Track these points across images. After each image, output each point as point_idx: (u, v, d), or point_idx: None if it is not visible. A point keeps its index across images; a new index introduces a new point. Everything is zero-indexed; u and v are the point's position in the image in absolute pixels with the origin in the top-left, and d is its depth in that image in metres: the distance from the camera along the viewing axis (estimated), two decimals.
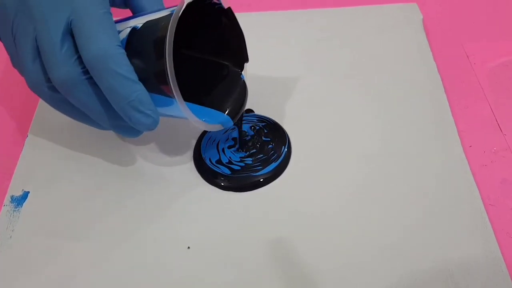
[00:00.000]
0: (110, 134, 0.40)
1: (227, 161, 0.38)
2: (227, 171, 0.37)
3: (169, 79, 0.29)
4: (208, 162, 0.38)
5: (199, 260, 0.33)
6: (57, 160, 0.39)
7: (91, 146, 0.39)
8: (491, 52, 0.45)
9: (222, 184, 0.37)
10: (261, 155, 0.38)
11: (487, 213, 0.34)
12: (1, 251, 0.34)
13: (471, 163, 0.36)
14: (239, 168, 0.37)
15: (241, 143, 0.39)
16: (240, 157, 0.38)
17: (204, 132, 0.40)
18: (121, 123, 0.33)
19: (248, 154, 0.38)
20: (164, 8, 0.34)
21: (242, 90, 0.37)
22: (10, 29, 0.31)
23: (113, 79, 0.29)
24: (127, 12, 0.35)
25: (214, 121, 0.34)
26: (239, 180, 0.37)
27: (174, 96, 0.30)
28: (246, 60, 0.37)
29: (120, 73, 0.29)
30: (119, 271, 0.33)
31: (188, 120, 0.32)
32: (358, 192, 0.35)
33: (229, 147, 0.39)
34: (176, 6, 0.30)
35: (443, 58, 0.44)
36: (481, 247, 0.32)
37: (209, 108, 0.36)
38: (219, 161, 0.38)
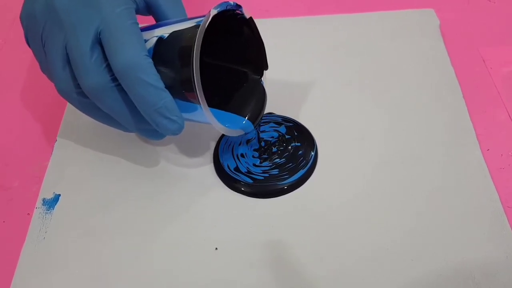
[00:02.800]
0: (136, 137, 0.41)
1: (246, 170, 0.38)
2: (248, 180, 0.38)
3: (195, 87, 0.30)
4: (226, 168, 0.38)
5: (226, 261, 0.34)
6: (86, 162, 0.40)
7: (118, 149, 0.41)
8: (507, 56, 0.45)
9: (243, 189, 0.37)
10: (290, 164, 0.38)
11: (506, 216, 0.34)
12: (36, 252, 0.35)
13: (489, 167, 0.37)
14: (262, 178, 0.38)
15: (261, 149, 0.40)
16: (263, 170, 0.38)
17: (222, 136, 0.41)
18: (147, 127, 0.34)
19: (275, 166, 0.38)
20: (186, 16, 0.35)
21: (261, 96, 0.38)
22: (40, 37, 0.33)
23: (142, 87, 0.31)
24: (150, 19, 0.36)
25: (235, 127, 0.35)
26: (262, 188, 0.37)
27: (199, 103, 0.31)
28: (266, 67, 0.38)
29: (148, 82, 0.30)
30: (148, 270, 0.34)
31: (210, 124, 0.33)
32: (379, 196, 0.36)
33: (253, 157, 0.39)
34: (200, 16, 0.32)
35: (459, 63, 0.45)
36: (501, 249, 0.33)
37: (230, 113, 0.37)
38: (237, 169, 0.38)
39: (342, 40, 0.47)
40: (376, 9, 0.50)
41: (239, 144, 0.40)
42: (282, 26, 0.49)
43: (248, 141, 0.40)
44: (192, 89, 0.31)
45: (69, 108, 0.44)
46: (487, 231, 0.34)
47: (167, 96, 0.31)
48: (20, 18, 0.34)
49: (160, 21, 0.36)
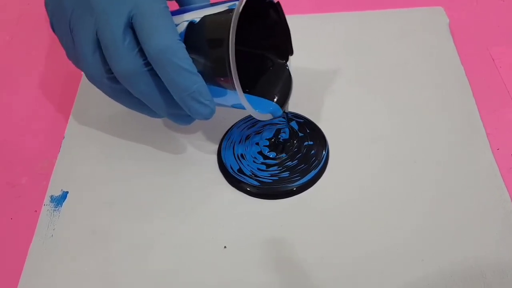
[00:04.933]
0: (147, 134, 0.41)
1: (250, 174, 0.38)
2: (255, 183, 0.37)
3: (231, 72, 0.30)
4: (230, 169, 0.38)
5: (235, 260, 0.34)
6: (93, 159, 0.40)
7: (127, 146, 0.41)
8: None
9: (248, 189, 0.37)
10: (302, 165, 0.38)
11: None
12: (43, 250, 0.35)
13: (499, 166, 0.37)
14: (270, 181, 0.37)
15: (272, 143, 0.40)
16: (272, 174, 0.38)
17: (225, 134, 0.41)
18: (178, 111, 0.34)
19: (286, 169, 0.38)
20: (209, 1, 0.35)
21: (287, 80, 0.38)
22: (67, 22, 0.32)
23: (175, 72, 0.30)
24: (173, 4, 0.36)
25: (264, 110, 0.35)
26: (270, 190, 0.37)
27: (231, 87, 0.31)
28: (291, 52, 0.38)
29: (182, 66, 0.30)
30: (156, 268, 0.34)
31: (237, 109, 0.33)
32: (389, 196, 0.36)
33: (257, 154, 0.39)
34: (230, 0, 0.32)
35: (469, 61, 0.44)
36: None
37: (259, 98, 0.37)
38: (240, 171, 0.38)
39: (351, 38, 0.47)
40: (385, 7, 0.50)
41: (239, 142, 0.40)
42: (290, 24, 0.49)
43: (258, 132, 0.40)
44: (224, 73, 0.31)
45: (77, 104, 0.44)
46: (498, 230, 0.34)
47: (200, 81, 0.31)
48: (45, 4, 0.34)
49: (184, 6, 0.35)
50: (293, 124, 0.41)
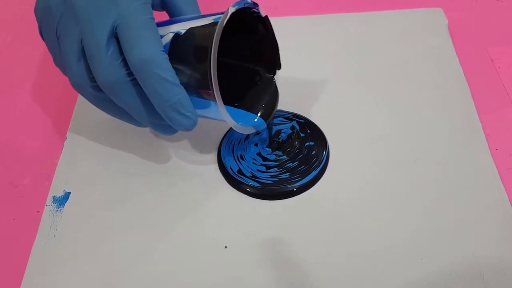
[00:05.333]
0: (148, 135, 0.42)
1: (250, 175, 0.38)
2: (255, 184, 0.37)
3: (212, 84, 0.31)
4: (229, 170, 0.38)
5: (236, 260, 0.34)
6: (96, 160, 0.40)
7: (128, 147, 0.41)
8: None
9: (249, 190, 0.37)
10: (303, 166, 0.38)
11: None
12: (46, 250, 0.35)
13: (497, 166, 0.37)
14: (271, 182, 0.37)
15: (272, 144, 0.40)
16: (272, 175, 0.38)
17: (225, 134, 0.41)
18: (160, 122, 0.34)
19: (286, 170, 0.38)
20: (200, 13, 0.36)
21: (274, 95, 0.38)
22: (55, 30, 0.33)
23: (157, 83, 0.31)
24: (164, 15, 0.36)
25: (247, 124, 0.36)
26: (270, 191, 0.37)
27: (213, 100, 0.31)
28: (279, 67, 0.38)
29: (164, 77, 0.31)
30: (158, 268, 0.34)
31: (222, 121, 0.33)
32: (388, 196, 0.36)
33: (259, 161, 0.39)
34: (217, 13, 0.32)
35: (468, 62, 0.45)
36: (510, 247, 0.33)
37: (243, 111, 0.37)
38: (240, 172, 0.38)
39: (350, 39, 0.47)
40: (384, 8, 0.50)
41: (239, 143, 0.40)
42: (290, 25, 0.49)
43: (257, 133, 0.40)
44: (207, 86, 0.31)
45: (79, 105, 0.44)
46: (496, 230, 0.34)
47: (181, 92, 0.31)
48: (35, 10, 0.34)
49: (174, 17, 0.36)
50: (294, 124, 0.41)
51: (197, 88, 0.32)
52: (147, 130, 0.41)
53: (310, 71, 0.45)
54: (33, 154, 0.41)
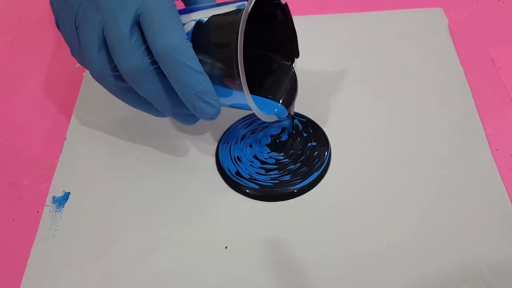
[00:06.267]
0: (147, 135, 0.41)
1: (249, 177, 0.38)
2: (254, 186, 0.37)
3: (239, 72, 0.30)
4: (227, 172, 0.38)
5: (237, 260, 0.34)
6: (95, 160, 0.40)
7: (128, 147, 0.41)
8: None
9: (248, 191, 0.37)
10: (304, 168, 0.38)
11: None
12: (46, 250, 0.35)
13: (498, 166, 0.37)
14: (271, 184, 0.37)
15: (274, 143, 0.40)
16: (272, 178, 0.38)
17: (222, 135, 0.41)
18: (182, 111, 0.34)
19: (288, 172, 0.38)
20: (215, 1, 0.35)
21: (293, 82, 0.38)
22: (73, 20, 0.32)
23: (182, 71, 0.30)
24: (179, 4, 0.36)
25: (270, 112, 0.35)
26: (270, 193, 0.37)
27: (237, 88, 0.31)
28: (297, 55, 0.38)
29: (189, 65, 0.30)
30: (158, 268, 0.34)
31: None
32: (389, 195, 0.36)
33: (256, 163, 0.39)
34: (238, 0, 0.32)
35: (468, 62, 0.45)
36: (511, 248, 0.33)
37: (265, 99, 0.37)
38: (238, 174, 0.38)
39: (351, 39, 0.47)
40: (385, 9, 0.50)
41: (235, 143, 0.40)
42: None
43: (253, 132, 0.40)
44: (231, 74, 0.31)
45: (79, 105, 0.44)
46: (497, 230, 0.34)
47: (206, 80, 0.31)
48: (50, 1, 0.34)
49: (191, 5, 0.35)
50: (296, 122, 0.41)
51: (221, 77, 0.32)
52: (146, 132, 0.41)
53: (311, 71, 0.45)
54: (32, 155, 0.41)
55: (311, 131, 0.40)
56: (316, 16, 0.50)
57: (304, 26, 0.49)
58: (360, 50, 0.46)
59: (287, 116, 0.37)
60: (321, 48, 0.47)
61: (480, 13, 0.50)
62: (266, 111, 0.35)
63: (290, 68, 0.38)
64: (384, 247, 0.34)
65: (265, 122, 0.41)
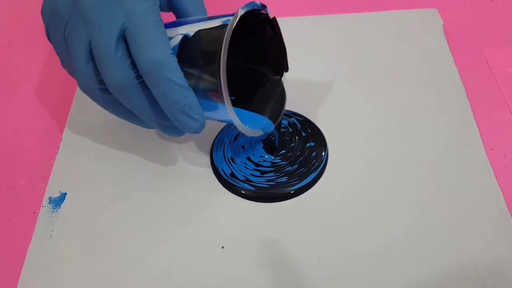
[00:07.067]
0: (144, 137, 0.41)
1: (244, 179, 0.38)
2: (249, 187, 0.37)
3: (221, 87, 0.31)
4: (222, 173, 0.38)
5: (233, 260, 0.34)
6: (92, 161, 0.40)
7: (124, 148, 0.41)
8: (510, 57, 0.46)
9: (243, 192, 0.37)
10: (302, 169, 0.38)
11: (511, 215, 0.35)
12: (42, 251, 0.35)
13: (493, 166, 0.37)
14: (267, 186, 0.37)
15: (273, 148, 0.40)
16: (267, 180, 0.38)
17: (216, 136, 0.41)
18: (168, 123, 0.34)
19: (284, 174, 0.38)
20: (206, 14, 0.36)
21: (281, 96, 0.38)
22: (62, 32, 0.32)
23: (166, 85, 0.31)
24: (170, 16, 0.36)
25: (256, 126, 0.35)
26: (266, 194, 0.37)
27: (222, 102, 0.31)
28: (286, 69, 0.38)
29: (173, 80, 0.30)
30: (155, 269, 0.34)
31: (229, 124, 0.33)
32: (384, 196, 0.36)
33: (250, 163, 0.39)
34: (226, 15, 0.32)
35: (463, 63, 0.45)
36: (506, 247, 0.33)
37: (251, 113, 0.37)
38: (233, 175, 0.38)
39: (346, 40, 0.48)
40: (379, 9, 0.50)
41: (229, 144, 0.40)
42: (286, 26, 0.49)
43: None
44: (215, 88, 0.31)
45: (75, 106, 0.44)
46: (492, 230, 0.34)
47: (190, 95, 0.31)
48: (42, 13, 0.34)
49: (181, 18, 0.36)
50: (294, 120, 0.41)
51: (206, 91, 0.32)
52: (142, 132, 0.41)
53: (306, 72, 0.45)
54: (29, 155, 0.41)
55: (309, 130, 0.40)
56: (311, 17, 0.50)
57: (300, 27, 0.49)
58: (355, 51, 0.47)
59: (274, 130, 0.37)
60: (316, 49, 0.47)
61: (474, 14, 0.50)
62: (253, 126, 0.35)
63: (279, 82, 0.38)
64: (380, 247, 0.34)
65: None
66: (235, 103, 0.32)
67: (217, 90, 0.31)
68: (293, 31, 0.48)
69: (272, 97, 0.38)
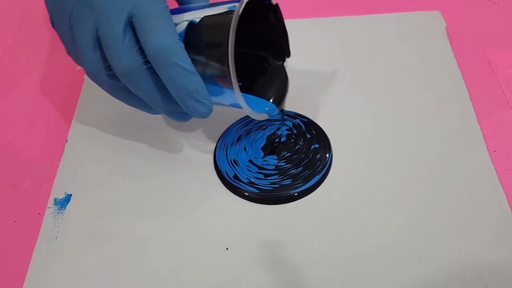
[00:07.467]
0: (149, 137, 0.42)
1: (247, 181, 0.38)
2: (253, 190, 0.37)
3: (230, 72, 0.31)
4: (225, 175, 0.38)
5: (238, 261, 0.34)
6: (96, 162, 0.40)
7: (129, 150, 0.41)
8: None
9: (247, 194, 0.37)
10: (307, 171, 0.38)
11: None
12: (48, 252, 0.35)
13: (496, 168, 0.38)
14: (271, 189, 0.37)
15: (273, 147, 0.40)
16: (271, 182, 0.38)
17: (220, 136, 0.41)
18: (175, 109, 0.34)
19: (289, 177, 0.38)
20: (209, 0, 0.36)
21: (284, 81, 0.38)
22: (68, 19, 0.33)
23: (174, 71, 0.31)
24: (172, 3, 0.36)
25: (261, 110, 0.36)
26: (270, 196, 0.37)
27: (229, 87, 0.32)
28: (288, 54, 0.38)
29: (181, 65, 0.31)
30: (160, 270, 0.34)
31: (235, 108, 0.34)
32: (387, 197, 0.37)
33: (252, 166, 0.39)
34: (231, 1, 0.32)
35: (465, 64, 0.45)
36: (509, 248, 0.33)
37: (256, 97, 0.37)
38: (236, 177, 0.38)
39: (349, 42, 0.48)
40: (382, 11, 0.50)
41: (231, 145, 0.40)
42: (290, 28, 0.49)
43: (248, 133, 0.41)
44: (222, 73, 0.31)
45: (80, 108, 0.44)
46: (495, 231, 0.34)
47: (198, 80, 0.32)
48: (45, 1, 0.34)
49: (184, 5, 0.36)
50: (298, 122, 0.41)
51: (212, 76, 0.32)
52: (146, 135, 0.42)
53: (309, 74, 0.45)
54: (34, 157, 0.42)
55: (313, 132, 0.41)
56: (314, 19, 0.51)
57: (303, 29, 0.49)
58: (358, 53, 0.47)
59: (278, 114, 0.38)
60: (319, 51, 0.47)
61: (477, 16, 0.50)
62: (258, 110, 0.35)
63: (282, 67, 0.39)
64: (383, 248, 0.34)
65: (260, 122, 0.41)
66: (240, 88, 0.33)
67: (224, 76, 0.31)
68: (296, 33, 0.48)
69: (275, 82, 0.38)
